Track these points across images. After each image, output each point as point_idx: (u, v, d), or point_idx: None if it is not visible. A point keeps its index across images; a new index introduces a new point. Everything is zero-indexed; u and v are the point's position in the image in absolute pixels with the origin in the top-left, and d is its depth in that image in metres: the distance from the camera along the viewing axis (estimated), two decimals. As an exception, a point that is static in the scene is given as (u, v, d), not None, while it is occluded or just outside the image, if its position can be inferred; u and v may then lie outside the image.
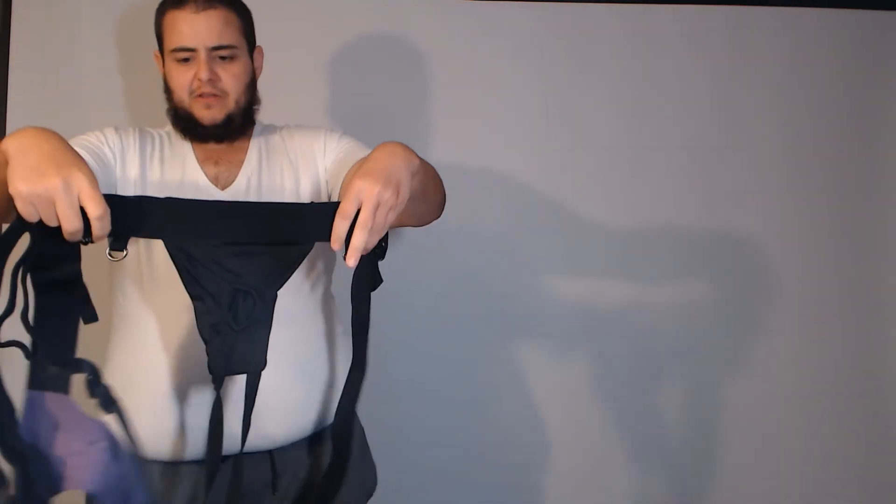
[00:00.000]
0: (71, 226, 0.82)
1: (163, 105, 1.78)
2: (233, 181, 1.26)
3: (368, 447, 1.41)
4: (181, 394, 1.17)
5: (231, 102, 1.25)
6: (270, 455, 1.23)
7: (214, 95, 1.23)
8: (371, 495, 1.36)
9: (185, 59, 1.23)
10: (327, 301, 1.31)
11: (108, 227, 0.84)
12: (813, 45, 1.93)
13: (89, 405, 0.92)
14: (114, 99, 1.81)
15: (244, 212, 0.94)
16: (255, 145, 1.32)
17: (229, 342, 0.94)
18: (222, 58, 1.23)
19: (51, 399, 0.87)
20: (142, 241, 1.16)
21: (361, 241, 0.90)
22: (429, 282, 1.87)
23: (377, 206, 0.90)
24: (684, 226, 1.91)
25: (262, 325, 0.95)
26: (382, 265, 1.01)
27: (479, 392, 1.88)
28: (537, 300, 1.89)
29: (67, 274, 0.87)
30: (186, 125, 1.27)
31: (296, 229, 0.93)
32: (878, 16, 1.94)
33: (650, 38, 1.90)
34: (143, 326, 1.20)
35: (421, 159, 1.02)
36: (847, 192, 1.94)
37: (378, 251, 0.97)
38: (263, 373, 1.01)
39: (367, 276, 0.98)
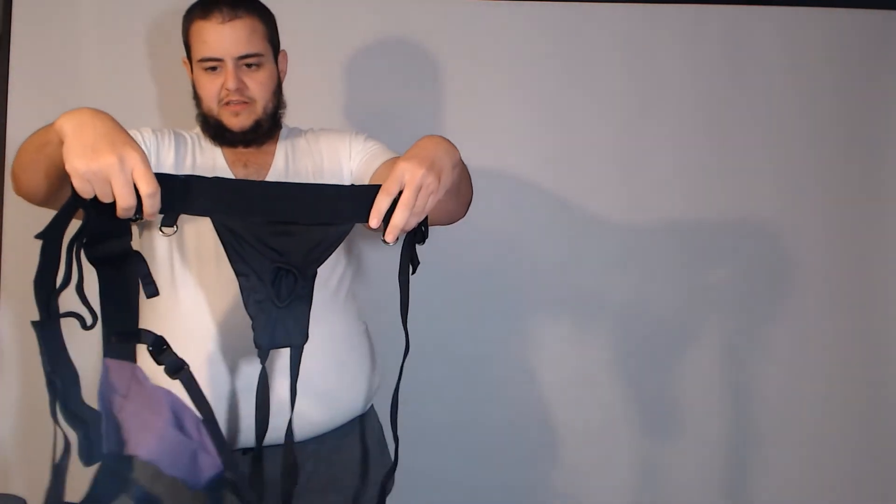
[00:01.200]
0: (125, 202, 0.84)
1: (164, 104, 1.81)
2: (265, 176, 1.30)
3: (387, 445, 1.42)
4: (228, 370, 1.20)
5: (259, 109, 1.28)
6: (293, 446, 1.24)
7: (243, 103, 1.26)
8: (389, 493, 1.36)
9: (213, 68, 1.25)
10: (349, 302, 1.35)
11: (158, 204, 0.86)
12: (812, 45, 1.93)
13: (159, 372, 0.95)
14: (114, 99, 1.81)
15: (288, 193, 0.97)
16: (281, 148, 1.34)
17: (273, 317, 0.98)
18: (248, 66, 1.25)
19: (117, 367, 0.91)
20: (188, 217, 1.19)
21: (402, 218, 0.92)
22: (434, 280, 1.87)
23: (419, 188, 0.92)
24: (685, 223, 1.91)
25: (304, 301, 0.99)
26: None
27: (481, 390, 1.88)
28: (543, 296, 1.89)
29: (120, 249, 0.91)
30: (216, 132, 1.29)
31: (336, 210, 0.96)
32: (878, 16, 1.94)
33: (651, 38, 1.90)
34: (189, 302, 1.23)
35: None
36: (847, 191, 1.94)
37: (419, 235, 0.99)
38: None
39: (407, 259, 1.02)
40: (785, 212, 1.94)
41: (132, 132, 1.26)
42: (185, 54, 1.32)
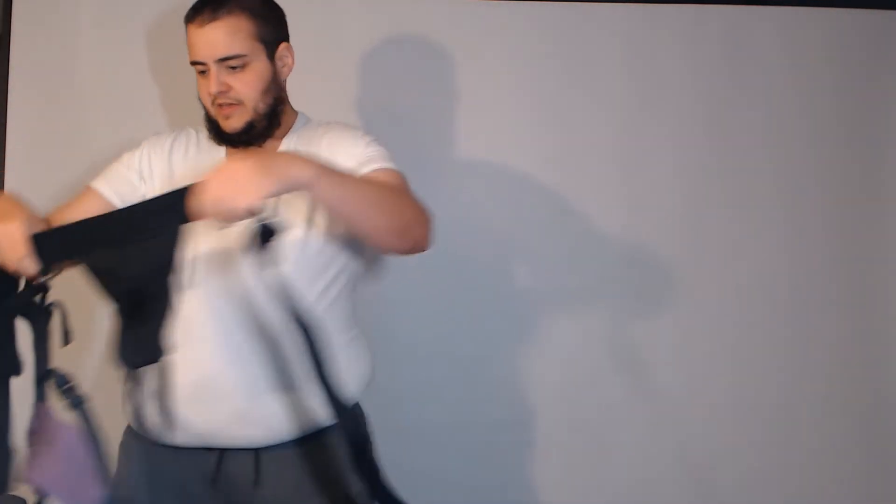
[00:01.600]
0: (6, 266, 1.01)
1: (163, 104, 1.82)
2: None
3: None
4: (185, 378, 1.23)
5: (249, 109, 1.26)
6: (256, 453, 1.25)
7: (231, 105, 1.25)
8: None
9: (203, 71, 1.26)
10: (332, 311, 1.29)
11: (32, 265, 1.02)
12: (812, 45, 1.93)
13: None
14: (113, 99, 1.81)
15: (113, 218, 1.06)
16: (287, 141, 1.33)
17: (134, 338, 1.05)
18: (233, 67, 1.24)
19: (38, 406, 1.06)
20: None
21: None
22: (434, 280, 1.87)
23: (229, 177, 0.96)
24: (683, 225, 1.92)
25: (159, 317, 1.04)
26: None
27: (481, 390, 1.88)
28: (543, 296, 1.90)
29: (20, 304, 1.06)
30: (215, 132, 1.30)
31: (153, 223, 1.02)
32: (878, 16, 1.94)
33: (651, 38, 1.90)
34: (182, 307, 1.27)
35: (356, 179, 1.12)
36: (847, 191, 1.95)
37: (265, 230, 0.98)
38: (243, 372, 1.18)
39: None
40: (784, 211, 1.93)
41: (128, 158, 1.34)
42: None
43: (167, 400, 1.16)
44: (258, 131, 1.29)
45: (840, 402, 1.94)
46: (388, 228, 1.14)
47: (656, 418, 1.91)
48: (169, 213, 0.99)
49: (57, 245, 1.03)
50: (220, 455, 1.25)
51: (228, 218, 0.97)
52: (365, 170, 1.24)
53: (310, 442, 1.27)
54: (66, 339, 1.05)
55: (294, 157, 1.04)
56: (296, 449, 1.26)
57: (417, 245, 1.19)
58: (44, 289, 1.05)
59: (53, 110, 1.80)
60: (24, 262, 1.02)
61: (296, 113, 1.37)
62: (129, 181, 1.32)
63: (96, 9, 1.80)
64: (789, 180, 1.93)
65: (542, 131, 1.90)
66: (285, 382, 1.23)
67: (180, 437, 1.24)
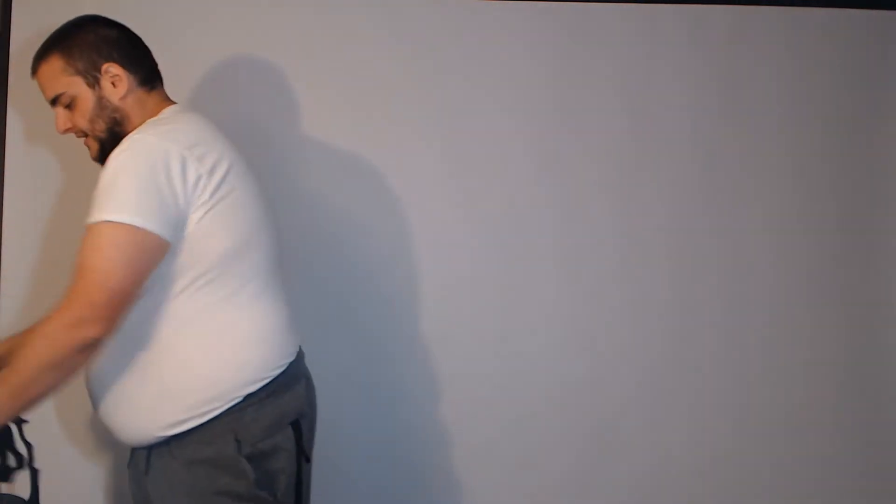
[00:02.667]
0: None
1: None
2: None
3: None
4: None
5: (94, 139, 1.32)
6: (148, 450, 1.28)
7: (84, 137, 1.33)
8: None
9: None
10: (160, 306, 1.23)
11: None
12: (813, 45, 1.93)
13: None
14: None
15: None
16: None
17: None
18: (66, 106, 1.31)
19: None
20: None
21: None
22: (433, 280, 1.87)
23: None
24: (686, 223, 1.91)
25: None
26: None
27: (482, 391, 1.88)
28: (544, 296, 1.89)
29: None
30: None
31: None
32: (878, 16, 1.94)
33: (652, 38, 1.90)
34: None
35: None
36: (849, 191, 1.94)
37: None
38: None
39: None
40: (784, 211, 1.93)
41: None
42: None
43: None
44: (111, 151, 1.23)
45: (841, 402, 1.94)
46: (58, 377, 1.16)
47: (658, 419, 1.91)
48: None
49: None
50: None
51: None
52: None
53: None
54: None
55: None
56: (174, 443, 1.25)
57: (89, 334, 1.13)
58: None
59: (53, 110, 1.80)
60: None
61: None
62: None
63: (95, 9, 1.79)
64: (791, 179, 1.93)
65: (544, 130, 1.89)
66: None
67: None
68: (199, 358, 1.23)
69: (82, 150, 1.79)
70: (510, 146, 1.89)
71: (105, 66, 1.30)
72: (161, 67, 1.39)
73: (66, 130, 1.32)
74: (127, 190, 1.15)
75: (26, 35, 1.78)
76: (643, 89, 1.91)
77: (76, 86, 1.30)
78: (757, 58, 1.92)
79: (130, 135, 1.24)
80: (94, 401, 1.30)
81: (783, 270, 1.93)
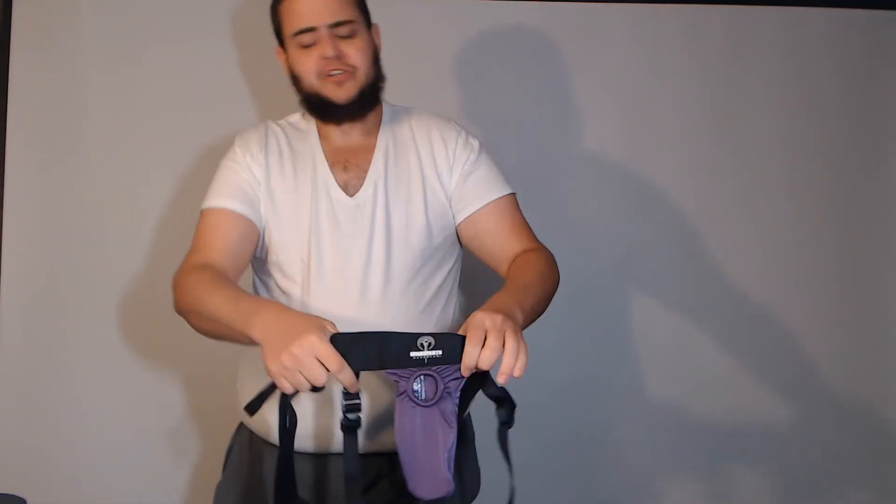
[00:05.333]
0: (320, 383, 0.98)
1: (163, 104, 1.81)
2: (361, 188, 1.28)
3: (475, 452, 1.41)
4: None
5: (361, 76, 1.25)
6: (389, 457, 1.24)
7: (344, 72, 1.24)
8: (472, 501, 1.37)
9: (309, 45, 1.24)
10: (442, 306, 1.32)
11: (350, 374, 0.99)
12: (813, 45, 1.93)
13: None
14: (114, 97, 1.81)
15: (389, 339, 1.04)
16: (381, 142, 1.32)
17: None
18: (344, 36, 1.23)
19: None
20: (309, 245, 1.27)
21: (511, 363, 1.00)
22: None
23: (503, 331, 0.99)
24: (682, 224, 1.91)
25: None
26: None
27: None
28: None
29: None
30: (321, 109, 1.28)
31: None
32: (878, 16, 1.94)
33: (652, 38, 1.90)
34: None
35: (532, 296, 1.16)
36: (848, 191, 1.94)
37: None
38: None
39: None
40: (786, 210, 1.93)
41: (231, 166, 1.29)
42: (277, 44, 1.31)
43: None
44: (367, 102, 1.28)
45: (842, 401, 1.93)
46: (549, 297, 1.25)
47: (660, 420, 1.90)
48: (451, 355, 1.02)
49: (349, 347, 1.01)
50: (326, 459, 1.26)
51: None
52: (480, 204, 1.29)
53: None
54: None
55: (508, 303, 1.09)
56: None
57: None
58: (358, 399, 1.04)
59: (53, 110, 1.79)
60: (345, 371, 0.98)
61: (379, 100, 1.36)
62: (249, 186, 1.28)
63: (96, 8, 1.80)
64: (790, 179, 1.93)
65: (544, 129, 1.89)
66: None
67: (316, 445, 1.25)
68: None
69: (81, 151, 1.83)
70: (510, 144, 1.89)
71: (376, 26, 1.33)
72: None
73: (335, 58, 1.23)
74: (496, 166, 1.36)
75: (26, 35, 1.78)
76: (645, 90, 1.90)
77: (361, 23, 1.27)
78: (757, 58, 1.92)
79: (444, 118, 1.37)
80: None
81: (784, 270, 1.93)
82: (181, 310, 1.21)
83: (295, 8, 1.23)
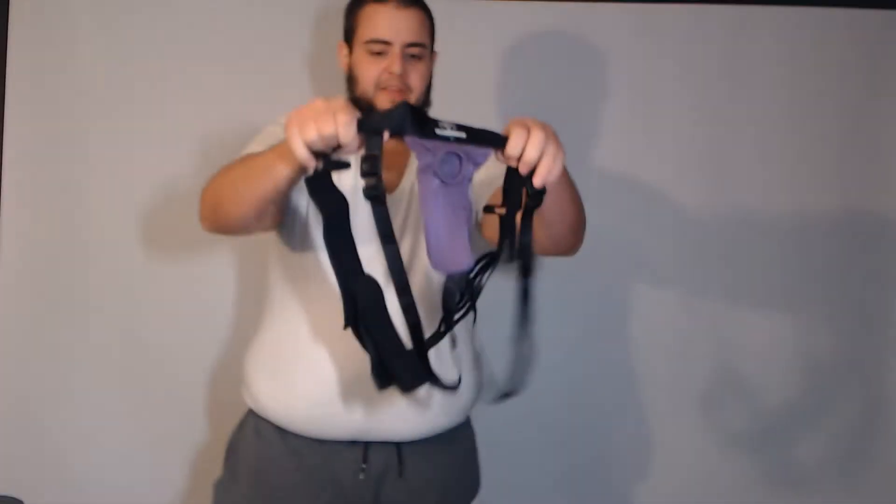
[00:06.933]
0: (327, 131, 0.92)
1: (163, 103, 1.81)
2: (396, 186, 1.32)
3: (476, 450, 1.45)
4: (340, 374, 1.26)
5: (413, 99, 1.29)
6: (398, 447, 1.30)
7: (400, 91, 1.28)
8: (473, 498, 1.41)
9: (378, 53, 1.27)
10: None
11: (350, 131, 0.93)
12: (813, 45, 1.92)
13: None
14: (113, 97, 1.81)
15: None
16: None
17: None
18: (413, 56, 1.28)
19: None
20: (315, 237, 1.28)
21: (549, 164, 0.96)
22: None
23: (549, 134, 0.96)
24: (686, 223, 1.91)
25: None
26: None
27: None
28: (546, 297, 1.86)
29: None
30: None
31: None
32: (877, 16, 1.94)
33: (652, 38, 1.90)
34: (314, 308, 1.28)
35: None
36: (848, 190, 1.94)
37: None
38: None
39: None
40: (783, 211, 1.93)
41: (271, 127, 1.29)
42: (343, 38, 1.34)
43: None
44: None
45: (843, 401, 1.94)
46: (579, 225, 1.18)
47: (661, 420, 1.91)
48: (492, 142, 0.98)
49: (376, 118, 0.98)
50: (366, 448, 1.29)
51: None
52: (492, 190, 1.24)
53: (444, 437, 1.33)
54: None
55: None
56: (433, 444, 1.32)
57: (579, 245, 1.23)
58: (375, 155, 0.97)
59: (52, 109, 1.79)
60: (349, 128, 0.93)
61: None
62: None
63: (94, 7, 1.80)
64: (790, 179, 1.93)
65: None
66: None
67: (329, 431, 1.27)
68: None
69: (81, 150, 1.82)
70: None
71: (436, 53, 1.37)
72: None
73: (399, 76, 1.27)
74: None
75: (25, 34, 1.78)
76: (642, 91, 1.90)
77: (428, 50, 1.32)
78: (756, 58, 1.92)
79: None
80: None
81: (783, 270, 1.93)
82: (212, 202, 1.17)
83: (377, 17, 1.27)
